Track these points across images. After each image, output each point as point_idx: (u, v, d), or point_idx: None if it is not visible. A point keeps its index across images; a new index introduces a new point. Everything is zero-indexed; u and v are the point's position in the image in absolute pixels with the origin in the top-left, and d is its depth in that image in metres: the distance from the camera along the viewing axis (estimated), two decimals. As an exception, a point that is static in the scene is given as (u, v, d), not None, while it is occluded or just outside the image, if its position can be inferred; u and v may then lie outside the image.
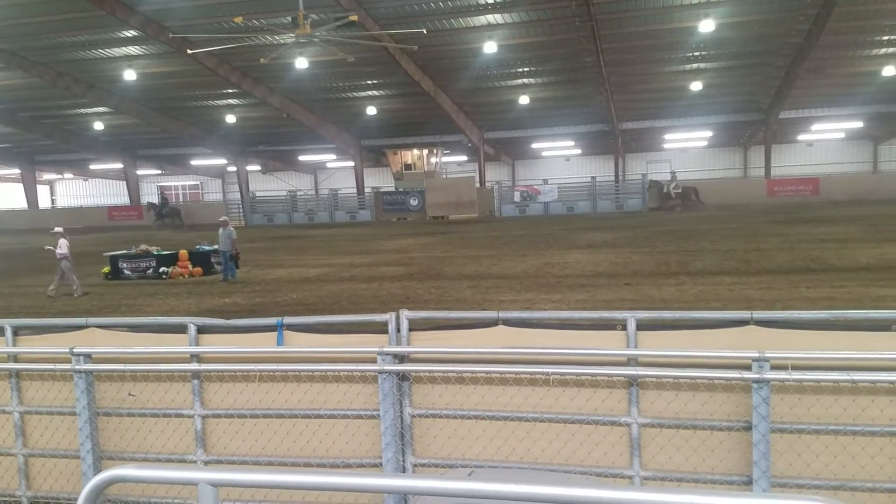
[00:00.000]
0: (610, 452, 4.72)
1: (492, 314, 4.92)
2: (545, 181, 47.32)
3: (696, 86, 37.79)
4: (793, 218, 30.11)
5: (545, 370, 4.51)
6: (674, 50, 33.22)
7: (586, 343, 4.71)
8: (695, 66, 35.82)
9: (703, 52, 33.81)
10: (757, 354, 4.27)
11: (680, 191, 41.41)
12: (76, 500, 5.37)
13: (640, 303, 12.97)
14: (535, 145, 50.51)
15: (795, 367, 4.25)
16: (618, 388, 4.68)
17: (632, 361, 4.61)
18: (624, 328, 4.66)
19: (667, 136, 48.35)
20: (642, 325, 4.67)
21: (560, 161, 54.78)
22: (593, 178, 46.38)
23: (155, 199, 49.38)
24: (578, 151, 52.53)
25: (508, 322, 4.87)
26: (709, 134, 47.75)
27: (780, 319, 4.73)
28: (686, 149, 51.96)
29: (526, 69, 36.31)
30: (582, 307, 12.70)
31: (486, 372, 4.70)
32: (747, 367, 4.31)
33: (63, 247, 17.55)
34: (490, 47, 31.42)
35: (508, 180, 54.66)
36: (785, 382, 4.36)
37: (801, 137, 49.06)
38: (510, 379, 4.72)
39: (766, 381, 4.28)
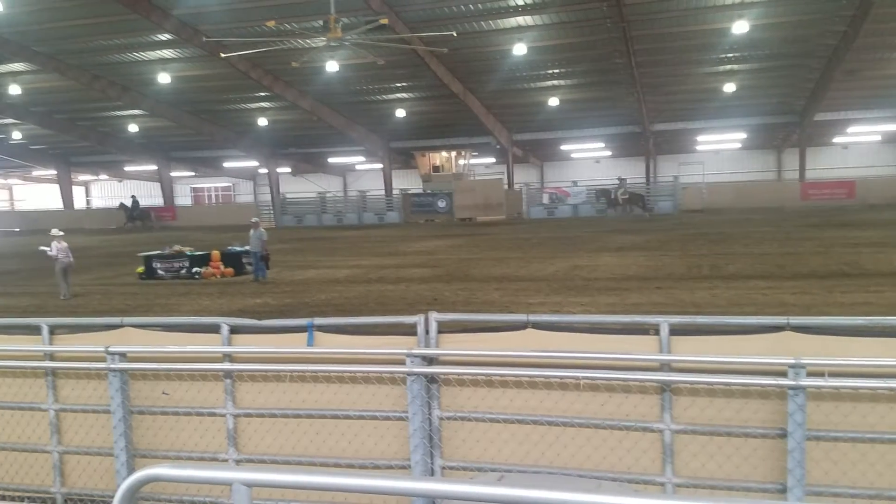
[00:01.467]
0: (641, 459, 4.67)
1: (521, 317, 4.90)
2: (574, 183, 47.08)
3: (729, 87, 37.32)
4: (828, 221, 29.58)
5: (575, 374, 4.48)
6: (707, 51, 32.87)
7: (617, 347, 4.66)
8: (728, 67, 35.38)
9: (736, 54, 33.40)
10: (793, 361, 4.19)
11: (627, 196, 41.37)
12: (109, 497, 5.46)
13: (671, 307, 12.82)
14: (564, 147, 50.26)
15: (832, 374, 4.17)
16: (650, 394, 4.63)
17: (664, 366, 4.55)
18: (657, 333, 4.60)
19: (699, 138, 47.80)
20: (675, 330, 4.61)
21: (590, 163, 54.43)
22: (623, 179, 45.99)
23: (127, 202, 51.50)
24: (609, 153, 52.14)
25: (538, 325, 4.84)
26: (742, 136, 47.10)
27: (816, 325, 4.64)
28: (719, 151, 51.30)
29: (556, 71, 36.17)
30: (612, 311, 12.58)
31: (516, 375, 4.67)
32: (783, 374, 4.23)
33: (54, 249, 17.57)
34: (520, 49, 31.36)
35: (537, 182, 54.45)
36: (821, 389, 4.27)
37: (836, 140, 48.17)
38: (540, 383, 4.69)
39: (803, 388, 4.21)
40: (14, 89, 38.16)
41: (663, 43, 31.84)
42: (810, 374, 4.18)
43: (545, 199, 45.88)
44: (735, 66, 35.30)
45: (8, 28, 30.74)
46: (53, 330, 5.58)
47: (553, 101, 39.70)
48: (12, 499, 5.66)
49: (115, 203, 63.45)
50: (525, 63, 33.94)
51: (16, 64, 35.20)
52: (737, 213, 38.06)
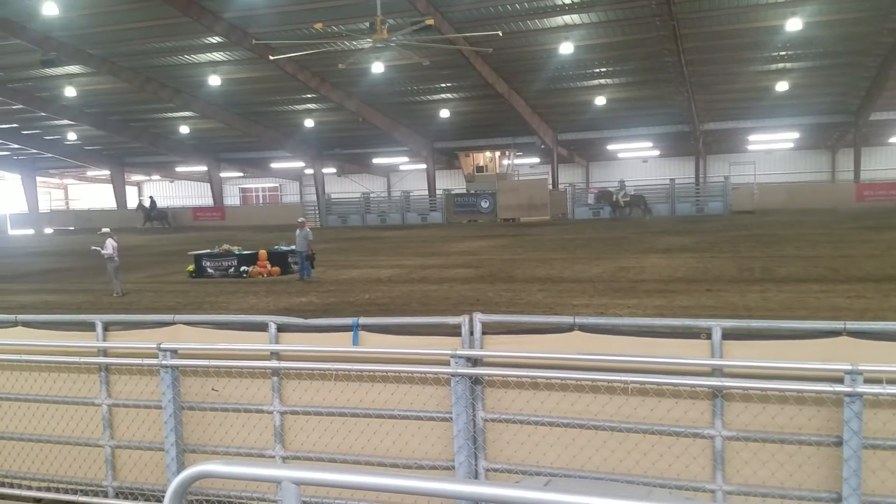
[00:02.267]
0: (692, 465, 4.57)
1: (567, 319, 4.84)
2: (621, 183, 46.48)
3: (781, 86, 36.43)
4: (883, 224, 28.64)
5: (624, 378, 4.41)
6: (758, 49, 32.14)
7: (667, 351, 4.57)
8: (780, 65, 34.55)
9: (789, 52, 32.58)
10: (850, 367, 4.07)
11: (628, 199, 41.44)
12: (160, 490, 5.58)
13: (721, 310, 12.57)
14: (610, 147, 49.69)
15: (891, 381, 4.03)
16: (701, 399, 4.53)
17: (716, 372, 4.45)
18: (708, 337, 4.51)
19: (750, 138, 46.78)
20: (728, 334, 4.51)
21: (637, 163, 53.68)
22: (672, 180, 45.28)
23: (146, 202, 53.12)
24: (657, 153, 51.37)
25: (585, 328, 4.78)
26: (795, 136, 45.94)
27: (874, 331, 4.50)
28: (771, 151, 50.13)
29: (603, 69, 35.79)
30: (659, 313, 12.39)
31: (561, 378, 4.62)
32: (839, 380, 4.11)
33: (109, 247, 18.02)
34: (566, 48, 31.09)
35: (582, 182, 53.95)
36: (879, 397, 4.13)
37: (893, 140, 46.65)
38: (586, 386, 4.63)
39: (859, 395, 4.08)
40: (70, 91, 39.30)
41: (714, 41, 31.24)
42: (868, 381, 4.06)
43: (590, 200, 45.38)
44: (788, 65, 34.44)
45: (64, 31, 31.66)
46: (107, 326, 5.71)
47: (600, 101, 39.28)
48: (66, 491, 5.82)
49: (164, 203, 65.08)
50: (571, 62, 33.65)
51: (71, 66, 36.21)
52: (789, 214, 37.15)
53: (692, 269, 18.25)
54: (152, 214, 50.34)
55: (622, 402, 4.61)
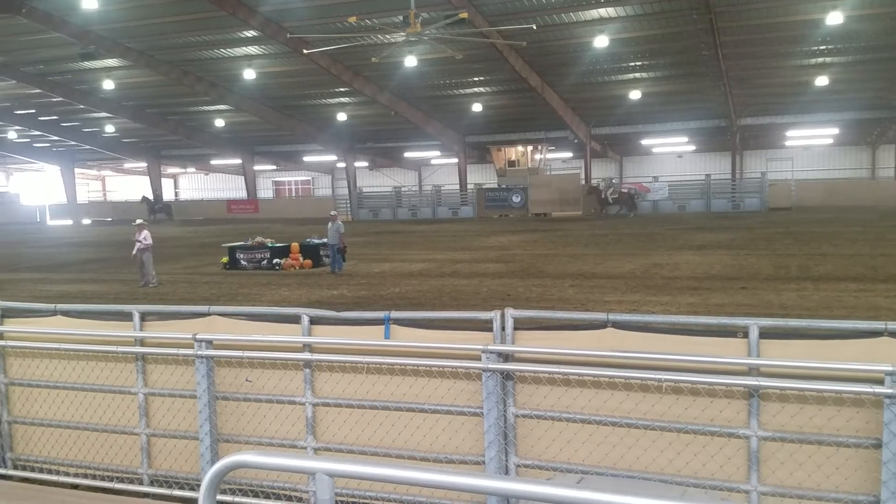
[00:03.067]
0: (726, 465, 4.51)
1: (601, 316, 4.80)
2: (655, 178, 46.01)
3: (821, 81, 35.67)
4: (927, 222, 27.96)
5: (658, 376, 4.35)
6: (798, 43, 31.49)
7: (702, 350, 4.50)
8: (820, 60, 33.83)
9: (829, 46, 31.87)
10: (891, 368, 3.98)
11: (617, 196, 41.95)
12: (194, 479, 5.65)
13: (756, 308, 12.38)
14: (645, 141, 49.19)
15: (934, 383, 3.92)
16: (737, 399, 4.46)
17: (753, 371, 4.38)
18: (745, 335, 4.43)
19: (788, 133, 45.97)
20: (765, 333, 4.43)
21: (671, 158, 53.07)
22: (708, 175, 44.68)
23: (150, 196, 54.40)
24: (692, 148, 50.70)
25: (618, 325, 4.73)
26: (834, 131, 45.00)
27: (917, 331, 4.37)
28: (809, 147, 49.21)
29: (638, 63, 35.38)
30: (693, 311, 12.23)
31: (594, 375, 4.58)
32: (879, 382, 4.02)
33: (148, 238, 18.36)
34: (601, 41, 30.79)
35: (616, 177, 53.47)
36: (922, 399, 4.03)
37: (936, 136, 45.52)
38: (619, 384, 4.59)
39: (902, 398, 3.97)
40: (108, 84, 39.98)
41: (752, 34, 30.69)
42: (910, 383, 3.95)
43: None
44: (828, 59, 33.71)
45: (102, 25, 32.19)
46: (144, 316, 5.80)
47: (634, 95, 38.84)
48: (102, 478, 5.93)
49: (199, 196, 66.00)
50: (606, 55, 33.33)
51: (110, 60, 36.85)
52: (827, 211, 36.45)
53: (727, 267, 18.00)
54: (157, 207, 51.45)
55: (656, 401, 4.56)
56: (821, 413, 4.32)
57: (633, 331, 4.71)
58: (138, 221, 19.12)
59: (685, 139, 48.00)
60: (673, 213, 41.34)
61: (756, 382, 4.28)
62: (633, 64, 35.51)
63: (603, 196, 42.29)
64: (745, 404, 4.46)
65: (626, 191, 43.05)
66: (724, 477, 4.51)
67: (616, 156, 54.61)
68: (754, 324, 4.43)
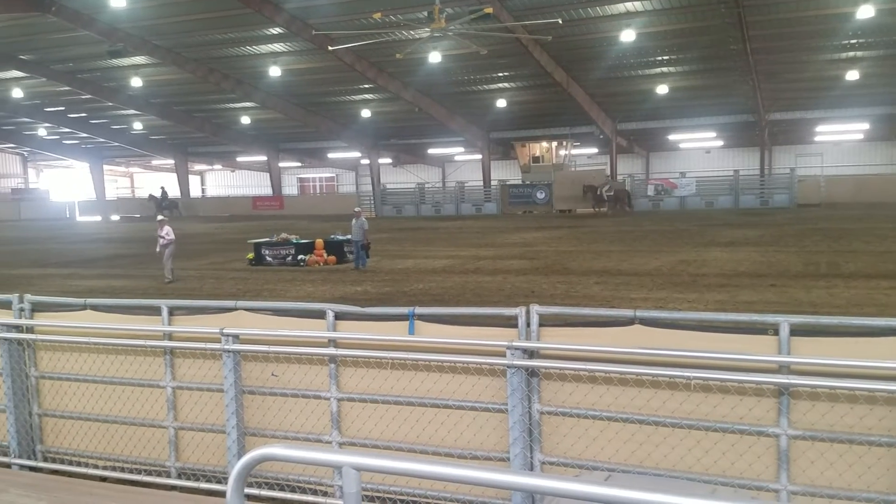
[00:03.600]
0: (755, 464, 4.45)
1: (628, 312, 4.74)
2: (682, 174, 45.52)
3: (852, 75, 35.04)
4: (961, 218, 27.38)
5: (686, 374, 4.30)
6: (828, 37, 30.97)
7: (732, 347, 4.44)
8: (851, 54, 33.22)
9: (860, 40, 31.30)
10: (925, 366, 3.89)
11: (611, 194, 41.79)
12: (220, 472, 5.68)
13: (785, 306, 12.20)
14: (672, 137, 48.68)
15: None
16: (766, 397, 4.40)
17: (783, 369, 4.31)
18: (775, 333, 4.36)
19: (818, 129, 45.20)
20: (795, 331, 4.36)
21: (699, 153, 52.47)
22: (736, 171, 44.11)
23: (157, 193, 54.89)
24: (720, 143, 50.09)
25: (646, 321, 4.67)
26: (865, 126, 44.17)
27: (952, 329, 4.28)
28: (839, 142, 48.36)
29: (665, 57, 35.02)
30: (721, 308, 12.09)
31: (621, 372, 4.54)
32: (913, 380, 3.93)
33: (170, 233, 18.60)
34: (628, 35, 30.51)
35: (642, 173, 53.03)
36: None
37: (971, 131, 44.52)
38: (647, 381, 4.54)
39: (937, 397, 3.89)
40: (136, 82, 40.48)
41: (781, 28, 30.23)
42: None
43: (650, 191, 44.58)
44: (858, 53, 33.09)
45: (130, 23, 32.59)
46: (172, 311, 5.86)
47: (661, 89, 38.45)
48: (130, 470, 6.00)
49: (225, 192, 66.65)
50: (632, 50, 33.03)
51: (138, 57, 37.30)
52: (857, 208, 35.82)
53: (756, 264, 17.77)
54: (164, 204, 52.16)
55: (684, 398, 4.51)
56: (852, 412, 4.25)
57: (660, 328, 4.66)
58: (160, 218, 19.36)
59: (713, 134, 47.44)
60: (700, 210, 40.89)
61: (786, 380, 4.21)
62: (660, 58, 35.15)
63: (598, 192, 42.45)
64: (774, 402, 4.39)
65: (620, 187, 43.17)
66: (752, 476, 4.45)
67: (643, 151, 54.14)
68: (784, 321, 4.36)
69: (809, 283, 14.65)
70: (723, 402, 4.44)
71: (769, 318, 4.48)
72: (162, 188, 56.51)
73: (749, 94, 38.38)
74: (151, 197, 54.52)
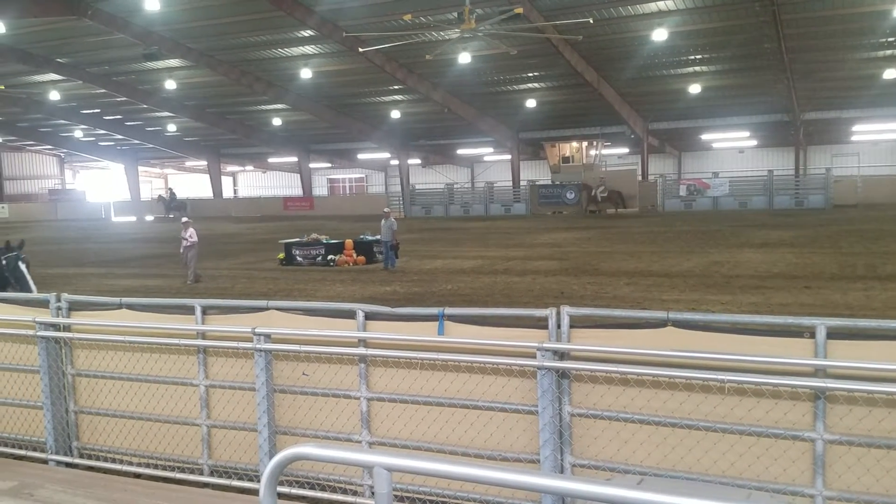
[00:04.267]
0: (790, 469, 4.37)
1: (661, 314, 4.68)
2: (715, 174, 44.95)
3: (889, 74, 34.33)
4: None
5: (720, 377, 4.23)
6: (864, 35, 30.37)
7: (767, 350, 4.36)
8: (888, 52, 32.54)
9: (898, 37, 30.66)
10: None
11: (605, 195, 42.68)
12: (252, 470, 5.73)
13: (821, 308, 11.99)
14: (704, 136, 48.09)
15: None
16: (802, 401, 4.32)
17: (819, 372, 4.23)
18: (812, 336, 4.28)
19: (855, 128, 44.36)
20: (833, 334, 4.27)
21: (732, 153, 51.76)
22: (770, 171, 43.44)
23: (165, 194, 55.96)
24: (754, 143, 49.36)
25: (679, 323, 4.61)
26: (904, 125, 43.25)
27: None
28: (877, 142, 47.38)
29: (698, 56, 34.63)
30: (755, 311, 11.92)
31: (654, 375, 4.48)
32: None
33: (194, 235, 18.81)
34: (660, 35, 30.21)
35: (673, 173, 52.47)
36: None
37: None
38: (680, 384, 4.48)
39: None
40: (170, 84, 41.09)
41: (817, 27, 29.72)
42: None
43: (682, 191, 44.10)
44: (896, 51, 32.44)
45: (164, 26, 33.09)
46: (206, 310, 5.92)
47: (694, 89, 38.01)
48: (164, 467, 6.08)
49: (257, 193, 67.33)
50: (665, 49, 32.69)
51: (172, 60, 37.87)
52: (895, 209, 35.06)
53: (790, 265, 17.48)
54: (172, 205, 52.81)
55: (718, 402, 4.44)
56: (890, 416, 4.15)
57: (694, 330, 4.59)
58: (185, 219, 19.62)
59: (747, 134, 46.78)
60: (734, 210, 40.35)
61: (823, 384, 4.13)
62: (692, 57, 34.77)
63: (592, 194, 43.08)
64: (810, 406, 4.31)
65: (614, 188, 43.69)
66: (787, 480, 4.37)
67: (674, 151, 53.58)
68: (821, 324, 4.28)
69: (845, 285, 14.38)
70: (757, 406, 4.36)
71: (805, 321, 4.40)
72: (170, 189, 57.45)
73: (784, 93, 37.78)
74: (160, 198, 55.45)
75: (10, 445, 6.62)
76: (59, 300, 6.33)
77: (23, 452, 6.52)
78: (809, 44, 31.47)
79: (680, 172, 53.23)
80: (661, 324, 4.64)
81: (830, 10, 28.10)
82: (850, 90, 37.94)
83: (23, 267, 9.11)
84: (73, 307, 6.41)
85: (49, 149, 65.88)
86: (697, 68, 36.22)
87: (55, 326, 6.29)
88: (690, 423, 4.51)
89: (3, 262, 8.89)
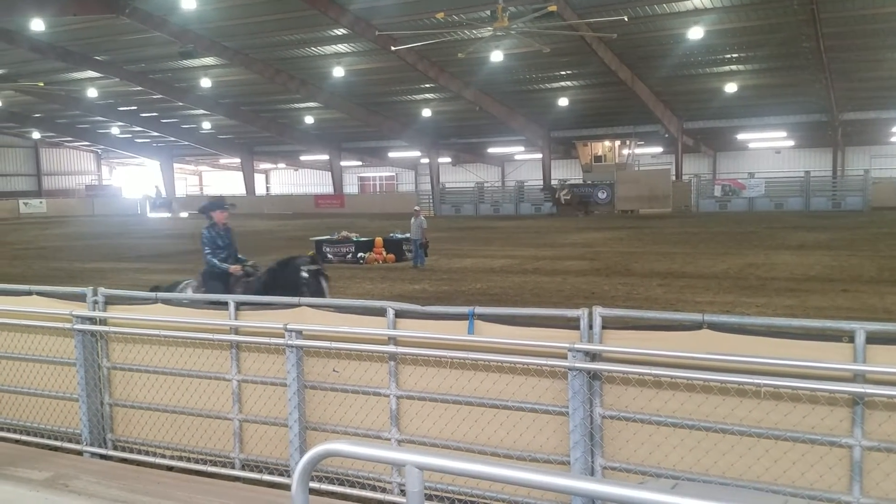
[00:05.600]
0: (826, 475, 4.27)
1: (696, 316, 4.61)
2: (751, 175, 44.27)
3: (932, 73, 33.53)
4: None
5: (756, 381, 4.16)
6: (906, 33, 29.67)
7: (804, 354, 4.27)
8: (931, 51, 31.78)
9: (941, 36, 29.91)
10: None
11: (569, 198, 44.16)
12: (282, 464, 5.77)
13: (858, 312, 11.73)
14: (740, 136, 47.42)
15: None
16: (840, 406, 4.22)
17: (858, 377, 4.13)
18: (851, 340, 4.18)
19: (894, 129, 43.38)
20: (872, 338, 4.17)
21: (769, 153, 50.97)
22: (807, 172, 42.70)
23: (152, 193, 57.04)
24: (791, 143, 48.53)
25: (714, 326, 4.54)
26: (946, 126, 42.24)
27: None
28: (918, 142, 46.36)
29: (734, 55, 34.14)
30: (791, 314, 11.71)
31: (688, 378, 4.41)
32: None
33: None
34: (696, 33, 29.81)
35: (708, 173, 51.82)
36: None
37: None
38: (714, 388, 4.41)
39: None
40: (205, 82, 41.61)
41: (856, 25, 29.12)
42: None
43: (717, 192, 43.51)
44: (939, 50, 31.64)
45: (200, 24, 33.52)
46: (239, 306, 5.98)
47: (730, 88, 37.45)
48: (196, 461, 6.15)
49: (289, 191, 67.93)
50: (700, 47, 32.28)
51: (207, 58, 38.34)
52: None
53: (827, 268, 17.15)
54: (158, 203, 53.20)
55: (753, 406, 4.36)
56: (932, 424, 4.04)
57: (730, 332, 4.52)
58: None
59: (783, 134, 46.03)
60: (770, 212, 39.72)
61: (862, 389, 4.04)
62: (728, 56, 34.29)
63: (556, 196, 44.09)
64: (848, 412, 4.22)
65: (577, 191, 45.40)
66: (823, 487, 4.28)
67: (709, 151, 52.91)
68: (861, 328, 4.18)
69: (884, 288, 14.06)
70: (794, 411, 4.28)
71: (844, 325, 4.30)
72: (156, 187, 58.05)
73: (821, 93, 37.10)
74: (146, 197, 56.09)
75: (46, 437, 6.75)
76: (95, 294, 6.44)
77: (58, 444, 6.64)
78: (848, 43, 30.84)
79: (715, 172, 52.56)
80: (697, 326, 4.57)
81: (870, 8, 27.51)
82: (890, 90, 37.10)
83: (324, 284, 8.69)
84: (110, 301, 6.51)
85: (86, 145, 67.14)
86: (734, 67, 35.71)
87: (91, 320, 6.39)
88: (725, 427, 4.43)
89: (305, 274, 8.52)
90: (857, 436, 4.19)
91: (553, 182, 47.57)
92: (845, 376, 4.19)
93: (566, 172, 52.74)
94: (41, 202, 57.38)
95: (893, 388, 4.02)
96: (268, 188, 73.54)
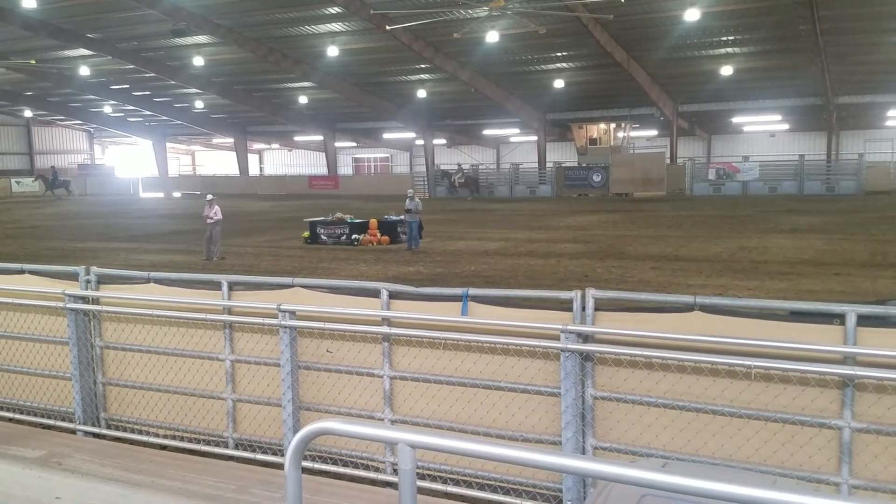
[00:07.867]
0: (816, 456, 4.32)
1: (688, 298, 4.64)
2: (745, 158, 44.26)
3: (928, 57, 33.47)
4: None
5: (746, 362, 4.19)
6: (903, 17, 29.57)
7: (795, 336, 4.31)
8: (927, 35, 31.69)
9: (937, 20, 29.81)
10: None
11: (464, 181, 46.76)
12: (276, 444, 5.80)
13: (850, 295, 11.80)
14: (735, 119, 47.37)
15: None
16: (830, 388, 4.26)
17: (848, 360, 4.17)
18: (841, 322, 4.22)
19: (889, 113, 43.42)
20: (863, 321, 4.20)
21: (763, 137, 50.91)
22: (801, 156, 42.70)
23: (48, 174, 54.85)
24: (785, 127, 48.49)
25: (706, 308, 4.56)
26: (940, 111, 42.26)
27: None
28: (912, 127, 46.38)
29: (731, 38, 33.94)
30: (782, 297, 11.77)
31: (679, 359, 4.45)
32: None
33: (219, 213, 18.92)
34: (692, 14, 29.57)
35: (703, 156, 51.78)
36: None
37: None
38: (705, 369, 4.44)
39: None
40: (198, 61, 41.18)
41: (853, 9, 28.99)
42: None
43: (711, 175, 43.51)
44: (936, 34, 31.55)
45: (192, 2, 33.11)
46: (232, 286, 5.98)
47: (725, 70, 37.28)
48: (189, 440, 6.17)
49: (282, 171, 67.57)
50: (697, 29, 32.06)
51: (200, 36, 37.90)
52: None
53: (820, 252, 17.23)
54: (56, 184, 52.66)
55: (743, 388, 4.40)
56: (921, 406, 4.09)
57: (721, 315, 4.54)
58: (209, 197, 19.73)
59: (778, 117, 45.98)
60: (763, 195, 39.79)
61: (851, 371, 4.08)
62: (725, 38, 34.11)
63: (451, 180, 46.35)
64: (838, 394, 4.26)
65: (471, 175, 48.37)
66: (812, 468, 4.33)
67: (704, 134, 52.83)
68: (851, 311, 4.22)
69: (876, 272, 14.15)
70: (784, 393, 4.32)
71: (835, 308, 4.33)
72: (52, 168, 57.27)
73: (817, 76, 37.02)
74: (41, 177, 55.21)
75: (40, 415, 6.77)
76: (88, 273, 6.42)
77: (51, 422, 6.67)
78: (844, 26, 30.73)
79: (709, 156, 52.53)
80: (688, 308, 4.60)
81: (868, -9, 27.42)
82: (886, 74, 37.04)
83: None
84: (102, 280, 6.50)
85: (79, 124, 66.61)
86: (729, 49, 35.56)
87: (84, 299, 6.39)
88: (715, 408, 4.48)
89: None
90: (846, 417, 4.24)
91: (446, 166, 51.04)
92: (835, 358, 4.23)
93: (562, 155, 52.61)
94: (34, 181, 56.89)
95: (883, 370, 4.06)
96: (261, 169, 73.16)
